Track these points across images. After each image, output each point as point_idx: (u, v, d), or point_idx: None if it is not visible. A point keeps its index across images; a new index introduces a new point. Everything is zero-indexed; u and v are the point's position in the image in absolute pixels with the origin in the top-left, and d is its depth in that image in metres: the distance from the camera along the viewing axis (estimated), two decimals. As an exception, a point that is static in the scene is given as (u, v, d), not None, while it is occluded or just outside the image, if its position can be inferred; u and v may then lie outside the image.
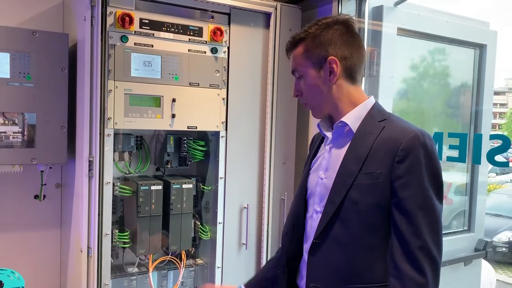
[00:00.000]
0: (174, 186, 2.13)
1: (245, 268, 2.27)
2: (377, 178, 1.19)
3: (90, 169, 1.84)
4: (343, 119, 1.29)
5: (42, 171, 2.08)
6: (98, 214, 1.89)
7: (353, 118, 1.28)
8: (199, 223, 2.27)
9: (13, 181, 2.14)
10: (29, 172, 2.14)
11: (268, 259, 1.62)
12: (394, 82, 2.41)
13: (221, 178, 2.20)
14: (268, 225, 2.30)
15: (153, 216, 2.08)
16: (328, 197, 1.24)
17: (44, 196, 2.23)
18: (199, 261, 2.33)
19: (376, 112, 1.29)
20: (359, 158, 1.22)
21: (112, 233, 2.00)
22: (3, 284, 1.55)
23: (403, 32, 2.42)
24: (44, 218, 2.24)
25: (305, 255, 1.32)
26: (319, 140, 1.43)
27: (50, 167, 2.14)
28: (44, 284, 2.25)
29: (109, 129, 1.90)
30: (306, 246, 1.32)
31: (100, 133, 1.87)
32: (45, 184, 2.17)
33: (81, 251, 1.85)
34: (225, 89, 2.17)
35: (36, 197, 2.21)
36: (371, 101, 1.32)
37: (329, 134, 1.35)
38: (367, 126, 1.26)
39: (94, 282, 1.86)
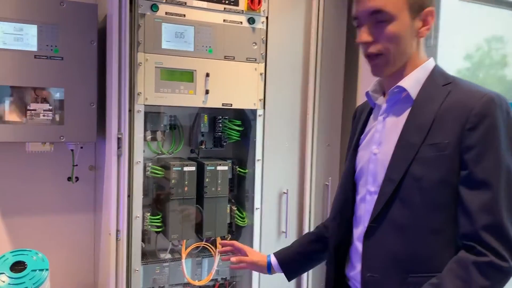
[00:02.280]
0: (208, 168, 1.98)
1: (284, 258, 2.09)
2: (444, 150, 0.99)
3: (119, 147, 1.73)
4: (401, 83, 1.09)
5: (72, 150, 2.00)
6: (128, 196, 1.78)
7: (412, 82, 1.08)
8: (235, 209, 2.11)
9: (44, 161, 2.08)
10: (61, 152, 2.06)
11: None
12: (455, 54, 2.13)
13: (258, 160, 2.03)
14: (310, 213, 2.11)
15: (186, 199, 1.94)
16: (386, 174, 1.05)
17: (77, 178, 2.16)
18: (235, 249, 2.18)
19: (438, 76, 1.09)
20: (421, 128, 1.02)
21: (143, 217, 1.89)
22: (26, 265, 1.47)
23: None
24: (77, 201, 2.17)
25: (356, 243, 1.14)
26: (367, 112, 1.23)
27: (81, 147, 2.05)
28: (77, 269, 2.19)
29: (139, 105, 1.78)
30: (358, 232, 1.14)
31: (129, 110, 1.76)
32: (76, 165, 2.10)
33: (110, 234, 1.75)
34: (263, 64, 1.99)
35: (69, 179, 2.14)
36: (431, 63, 1.12)
37: (381, 102, 1.15)
38: (429, 91, 1.06)
39: (123, 267, 1.75)
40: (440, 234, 1.00)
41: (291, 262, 1.38)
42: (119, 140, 1.73)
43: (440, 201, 0.99)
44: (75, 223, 2.18)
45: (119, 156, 1.73)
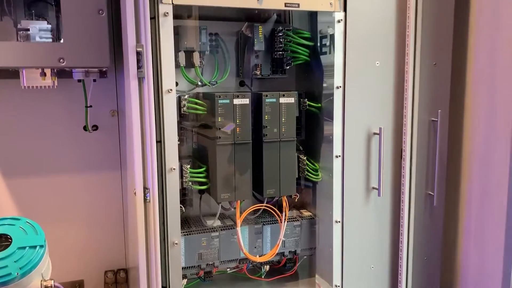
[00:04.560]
0: (267, 100, 1.40)
1: (377, 223, 1.52)
2: None
3: (139, 67, 1.17)
4: None
5: (82, 82, 1.48)
6: (158, 141, 1.23)
7: None
8: (304, 158, 1.53)
9: (49, 103, 1.59)
10: (69, 90, 1.56)
11: None
12: None
13: (338, 88, 1.43)
14: (411, 160, 1.50)
15: (239, 144, 1.38)
16: None
17: (96, 127, 1.66)
18: (306, 213, 1.62)
19: None
20: None
21: (181, 170, 1.36)
22: (11, 240, 0.98)
23: None
24: (97, 157, 1.69)
25: None
26: None
27: (94, 80, 1.53)
28: (103, 243, 1.73)
29: (165, 4, 1.20)
30: None
31: (152, 17, 1.19)
32: (90, 106, 1.59)
33: (135, 193, 1.22)
34: None
35: (85, 128, 1.64)
36: None
37: None
38: None
39: (156, 238, 1.23)
40: None
41: None
42: (139, 56, 1.17)
43: None
44: (96, 184, 1.70)
45: (140, 79, 1.18)
